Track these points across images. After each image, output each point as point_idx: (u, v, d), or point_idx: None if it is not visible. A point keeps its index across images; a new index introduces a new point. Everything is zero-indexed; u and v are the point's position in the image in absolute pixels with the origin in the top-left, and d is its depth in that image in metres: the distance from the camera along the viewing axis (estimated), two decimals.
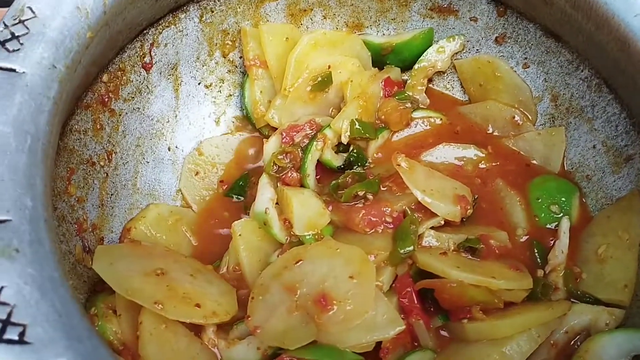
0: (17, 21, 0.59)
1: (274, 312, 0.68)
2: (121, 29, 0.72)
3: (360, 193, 0.79)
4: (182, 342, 0.68)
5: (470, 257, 0.76)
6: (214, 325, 0.70)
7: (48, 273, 0.48)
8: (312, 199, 0.79)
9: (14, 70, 0.56)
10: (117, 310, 0.69)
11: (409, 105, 0.89)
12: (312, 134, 0.85)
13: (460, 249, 0.76)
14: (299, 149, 0.83)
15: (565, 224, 0.79)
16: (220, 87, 0.91)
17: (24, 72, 0.56)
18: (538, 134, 0.87)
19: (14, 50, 0.57)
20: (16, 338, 0.44)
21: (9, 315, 0.45)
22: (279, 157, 0.82)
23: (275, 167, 0.83)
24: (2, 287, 0.46)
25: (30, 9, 0.59)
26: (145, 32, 0.80)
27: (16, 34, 0.58)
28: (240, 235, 0.77)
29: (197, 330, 0.70)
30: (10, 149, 0.53)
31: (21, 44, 0.58)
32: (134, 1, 0.69)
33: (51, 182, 0.58)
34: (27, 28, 0.58)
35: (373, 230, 0.76)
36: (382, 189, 0.80)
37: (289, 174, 0.83)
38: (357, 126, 0.84)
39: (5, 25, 0.58)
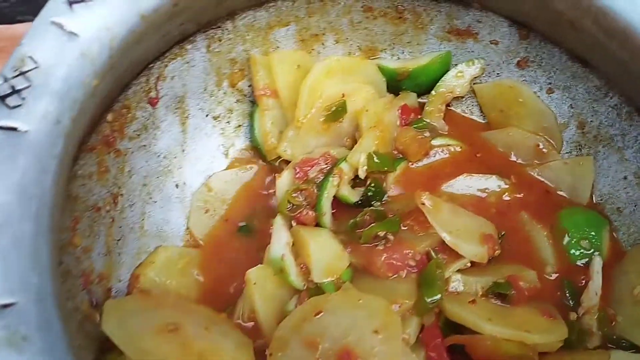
0: (17, 73, 0.54)
1: None
2: (127, 67, 0.67)
3: (381, 233, 0.75)
4: None
5: (500, 303, 0.72)
6: None
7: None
8: (330, 242, 0.75)
9: (15, 129, 0.52)
10: None
11: (427, 134, 0.85)
12: (327, 168, 0.81)
13: (489, 294, 0.72)
14: (313, 186, 0.79)
15: (598, 264, 0.75)
16: (229, 117, 0.87)
17: (26, 131, 0.52)
18: (565, 163, 0.83)
19: (15, 107, 0.53)
20: None
21: None
22: (293, 195, 0.78)
23: (289, 206, 0.78)
24: None
25: (32, 58, 0.55)
26: (150, 66, 0.76)
27: (17, 88, 0.53)
28: (255, 284, 0.73)
29: None
30: (14, 219, 0.48)
31: (23, 98, 0.53)
32: (140, 40, 0.64)
33: (57, 248, 0.53)
34: (29, 80, 0.54)
35: (395, 275, 0.72)
36: (403, 227, 0.76)
37: (304, 212, 0.79)
38: (375, 159, 0.80)
39: (5, 78, 0.53)
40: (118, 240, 0.75)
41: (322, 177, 0.80)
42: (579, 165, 0.82)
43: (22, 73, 0.54)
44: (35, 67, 0.54)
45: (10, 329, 0.44)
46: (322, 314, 0.67)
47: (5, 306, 0.45)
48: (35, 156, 0.51)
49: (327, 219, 0.78)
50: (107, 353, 0.67)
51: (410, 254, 0.73)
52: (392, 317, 0.65)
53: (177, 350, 0.63)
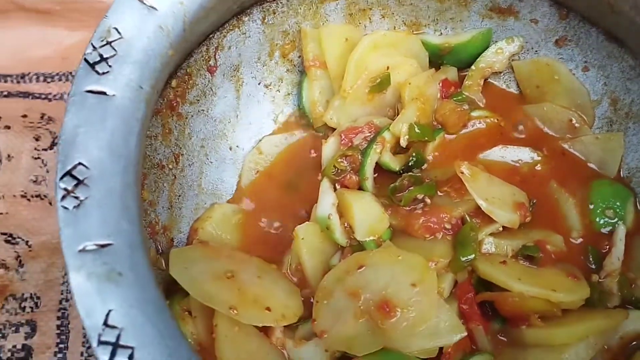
0: (104, 43, 0.60)
1: (339, 317, 0.71)
2: (195, 39, 0.74)
3: (419, 196, 0.81)
4: (254, 343, 0.72)
5: (528, 264, 0.78)
6: (281, 326, 0.73)
7: (149, 296, 0.52)
8: (372, 204, 0.81)
9: (104, 94, 0.58)
10: (192, 312, 0.73)
11: (466, 107, 0.89)
12: (371, 136, 0.86)
13: (518, 256, 0.78)
14: (357, 152, 0.85)
15: (621, 231, 0.80)
16: (279, 86, 0.93)
17: (114, 95, 0.59)
18: (596, 138, 0.87)
19: (103, 73, 0.59)
20: None
21: (118, 338, 0.49)
22: (339, 160, 0.84)
23: (334, 170, 0.84)
24: (110, 311, 0.50)
25: (117, 29, 0.61)
26: (211, 36, 0.82)
27: (104, 56, 0.60)
28: (302, 239, 0.79)
29: (265, 330, 0.74)
30: (107, 173, 0.55)
31: (110, 66, 0.60)
32: (207, 14, 0.70)
33: (141, 200, 0.60)
34: (115, 50, 0.60)
35: (432, 237, 0.78)
36: (440, 194, 0.82)
37: (348, 177, 0.85)
38: (416, 130, 0.85)
39: (93, 47, 0.60)
40: (179, 196, 0.83)
41: (365, 145, 0.86)
42: (609, 140, 0.87)
43: (108, 43, 0.60)
44: (120, 38, 0.61)
45: (108, 265, 0.51)
46: (364, 267, 0.73)
47: (104, 246, 0.52)
48: (121, 119, 0.58)
49: (369, 183, 0.84)
50: (172, 295, 0.75)
51: (446, 218, 0.79)
52: (428, 272, 0.71)
53: (235, 294, 0.71)
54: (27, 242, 0.90)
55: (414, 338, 0.69)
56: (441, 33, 0.94)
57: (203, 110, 0.85)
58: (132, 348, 0.48)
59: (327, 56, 0.88)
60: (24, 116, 0.98)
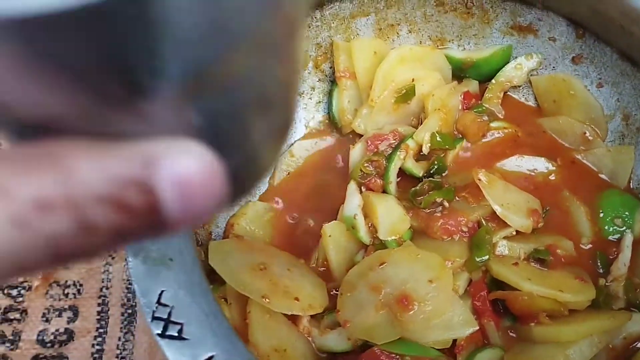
0: None
1: (361, 309, 0.78)
2: None
3: (438, 200, 0.87)
4: (283, 329, 0.78)
5: (539, 267, 0.83)
6: (308, 315, 0.80)
7: (195, 279, 0.59)
8: (395, 206, 0.88)
9: None
10: (227, 299, 0.80)
11: (485, 118, 0.96)
12: (395, 143, 0.93)
13: (530, 259, 0.84)
14: (382, 158, 0.92)
15: (629, 239, 0.86)
16: (311, 94, 1.00)
17: None
18: (608, 150, 0.93)
19: None
20: (176, 334, 0.55)
21: (169, 315, 0.56)
22: (365, 164, 0.91)
23: (361, 174, 0.91)
24: (162, 291, 0.57)
25: None
26: None
27: None
28: (330, 236, 0.86)
29: (293, 319, 0.81)
30: None
31: None
32: None
33: None
34: None
35: (449, 238, 0.85)
36: (457, 199, 0.89)
37: (373, 180, 0.91)
38: (437, 138, 0.92)
39: None
40: None
41: (390, 151, 0.92)
42: (621, 153, 0.92)
43: None
44: None
45: (161, 251, 0.59)
46: (385, 264, 0.80)
47: None
48: None
49: (392, 187, 0.91)
50: (210, 284, 0.82)
51: (463, 221, 0.85)
52: (444, 270, 0.78)
53: (267, 284, 0.78)
54: None
55: (430, 330, 0.76)
56: (464, 48, 1.00)
57: None
58: (181, 324, 0.56)
59: (356, 68, 0.95)
60: None
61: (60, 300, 0.93)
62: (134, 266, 0.57)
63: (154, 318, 0.55)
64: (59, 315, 0.92)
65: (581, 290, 0.80)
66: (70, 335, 0.90)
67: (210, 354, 0.54)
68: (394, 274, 0.79)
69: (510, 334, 0.82)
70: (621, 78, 0.91)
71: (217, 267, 0.77)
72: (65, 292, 0.94)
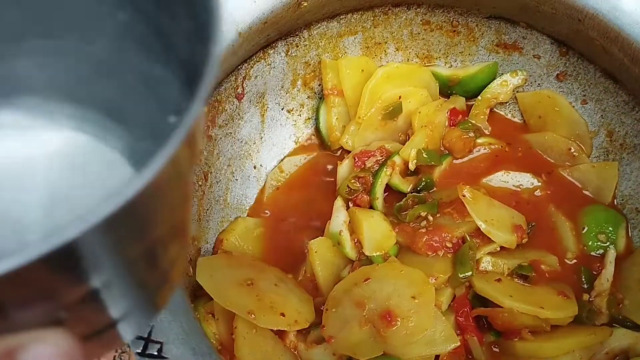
0: None
1: (345, 324, 0.79)
2: (223, 72, 0.83)
3: (422, 214, 0.89)
4: (269, 344, 0.80)
5: (522, 282, 0.85)
6: (295, 330, 0.82)
7: (176, 298, 0.60)
8: (381, 222, 0.89)
9: None
10: (215, 314, 0.81)
11: (472, 134, 0.97)
12: (382, 160, 0.94)
13: (513, 275, 0.85)
14: (369, 174, 0.93)
15: (612, 254, 0.87)
16: (301, 111, 1.02)
17: None
18: (592, 166, 0.94)
19: None
20: (155, 353, 0.57)
21: (149, 334, 0.58)
22: (352, 180, 0.92)
23: (347, 189, 0.93)
24: None
25: None
26: (239, 67, 0.91)
27: None
28: (316, 252, 0.88)
29: (280, 334, 0.82)
30: None
31: None
32: (236, 52, 0.80)
33: None
34: None
35: (434, 254, 0.86)
36: (443, 215, 0.90)
37: (360, 196, 0.93)
38: (424, 155, 0.93)
39: None
40: (207, 210, 0.92)
41: (377, 167, 0.94)
42: (605, 169, 0.93)
43: None
44: None
45: None
46: (370, 280, 0.81)
47: None
48: None
49: (379, 202, 0.92)
50: (198, 299, 0.84)
51: (447, 237, 0.86)
52: (427, 286, 0.79)
53: (253, 300, 0.79)
54: None
55: (412, 346, 0.77)
56: (451, 65, 1.02)
57: (230, 133, 0.94)
58: (161, 343, 0.57)
59: (344, 85, 0.97)
60: None
61: None
62: None
63: (135, 337, 0.57)
64: None
65: (563, 307, 0.81)
66: None
67: None
68: (378, 289, 0.80)
69: (494, 349, 0.84)
70: (604, 95, 0.93)
71: (203, 283, 0.79)
72: None
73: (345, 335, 0.78)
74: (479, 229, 0.86)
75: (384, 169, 0.92)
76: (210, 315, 0.82)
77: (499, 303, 0.80)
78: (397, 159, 0.93)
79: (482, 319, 0.84)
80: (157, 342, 0.57)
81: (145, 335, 0.57)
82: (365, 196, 0.93)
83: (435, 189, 0.96)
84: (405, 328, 0.77)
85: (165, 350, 0.57)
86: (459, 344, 0.78)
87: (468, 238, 0.86)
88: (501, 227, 0.86)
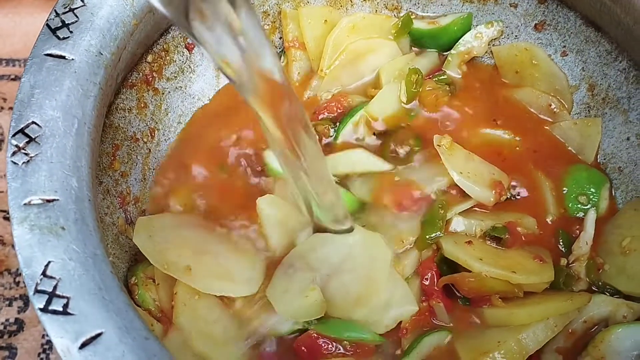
0: (67, 9, 0.62)
1: (293, 287, 0.72)
2: (167, 20, 0.75)
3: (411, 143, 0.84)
4: (214, 312, 0.72)
5: (495, 245, 0.77)
6: (241, 296, 0.74)
7: (91, 250, 0.53)
8: None
9: (63, 57, 0.60)
10: (155, 279, 0.74)
11: (447, 88, 0.89)
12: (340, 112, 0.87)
13: (486, 237, 0.78)
14: (328, 123, 0.86)
15: (591, 216, 0.80)
16: None
17: (72, 59, 0.60)
18: (574, 123, 0.87)
19: (64, 38, 0.61)
20: (60, 309, 0.49)
21: (55, 288, 0.50)
22: None
23: None
24: (49, 262, 0.51)
25: None
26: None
27: (66, 22, 0.62)
28: (264, 210, 0.79)
29: (227, 299, 0.75)
30: (59, 132, 0.57)
31: (71, 31, 0.61)
32: None
33: (96, 163, 0.62)
34: (77, 16, 0.62)
35: (402, 211, 0.79)
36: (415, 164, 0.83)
37: None
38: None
39: (56, 13, 0.62)
40: (153, 169, 0.84)
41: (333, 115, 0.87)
42: (588, 126, 0.86)
43: (71, 9, 0.62)
44: (82, 5, 0.63)
45: (52, 219, 0.53)
46: (326, 245, 0.74)
47: (49, 201, 0.54)
48: (78, 81, 0.60)
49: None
50: (139, 263, 0.76)
51: (417, 195, 0.79)
52: (383, 249, 0.72)
53: (196, 263, 0.72)
54: None
55: (365, 311, 0.70)
56: (422, 17, 0.94)
57: (181, 87, 0.87)
58: (67, 298, 0.50)
59: (305, 37, 0.89)
60: None
61: (11, 289, 0.89)
62: (18, 234, 0.52)
63: (37, 291, 0.50)
64: (9, 305, 0.87)
65: (538, 272, 0.74)
66: (20, 325, 0.85)
67: (98, 331, 0.49)
68: (334, 253, 0.73)
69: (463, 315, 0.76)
70: (586, 45, 0.85)
71: (140, 245, 0.71)
72: (16, 280, 0.89)
73: (289, 298, 0.71)
74: (452, 187, 0.79)
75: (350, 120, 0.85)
76: (150, 280, 0.74)
77: (467, 267, 0.73)
78: (362, 115, 0.86)
79: (452, 285, 0.77)
80: (63, 297, 0.50)
81: (50, 290, 0.50)
82: None
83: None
84: (358, 292, 0.70)
85: (72, 306, 0.50)
86: (416, 309, 0.71)
87: (434, 197, 0.79)
88: (478, 182, 0.79)
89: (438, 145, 0.80)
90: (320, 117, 0.86)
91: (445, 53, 0.93)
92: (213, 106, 0.90)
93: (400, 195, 0.79)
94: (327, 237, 0.75)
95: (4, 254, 0.90)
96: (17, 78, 1.05)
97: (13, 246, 0.89)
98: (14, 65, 1.07)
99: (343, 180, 0.83)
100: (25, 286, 0.86)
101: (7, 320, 0.85)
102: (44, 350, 0.84)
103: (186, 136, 0.88)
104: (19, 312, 0.87)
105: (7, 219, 0.92)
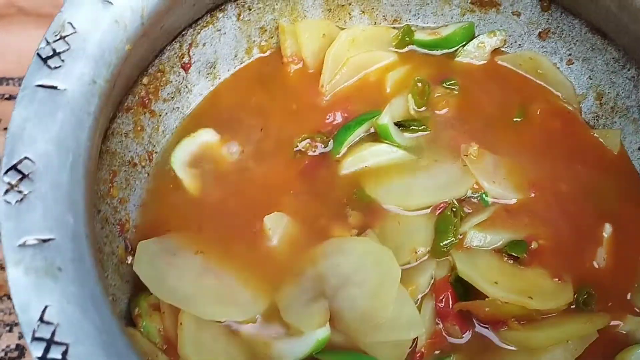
0: (58, 37, 0.60)
1: (300, 295, 0.70)
2: (159, 35, 0.73)
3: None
4: (220, 343, 0.70)
5: (511, 262, 0.75)
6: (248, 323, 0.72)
7: (89, 291, 0.51)
8: None
9: (55, 88, 0.58)
10: (161, 307, 0.71)
11: (455, 91, 0.86)
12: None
13: (503, 253, 0.75)
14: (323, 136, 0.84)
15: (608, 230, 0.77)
16: None
17: (65, 89, 0.58)
18: (593, 134, 0.84)
19: (55, 67, 0.59)
20: (59, 357, 0.47)
21: (53, 334, 0.48)
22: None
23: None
24: (46, 307, 0.49)
25: (71, 24, 0.61)
26: (183, 33, 0.81)
27: (57, 51, 0.59)
28: (270, 229, 0.76)
29: (233, 328, 0.72)
30: (54, 167, 0.55)
31: (62, 60, 0.59)
32: (171, 9, 0.70)
33: (92, 195, 0.59)
34: (68, 44, 0.60)
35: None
36: None
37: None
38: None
39: (47, 42, 0.60)
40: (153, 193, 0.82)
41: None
42: (606, 137, 0.83)
43: (62, 37, 0.60)
44: (74, 32, 0.60)
45: (48, 260, 0.50)
46: (337, 252, 0.72)
47: (45, 241, 0.51)
48: (72, 112, 0.57)
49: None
50: (141, 293, 0.73)
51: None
52: (394, 267, 0.69)
53: (199, 290, 0.69)
54: None
55: (371, 330, 0.68)
56: (423, 28, 0.92)
57: (178, 107, 0.84)
58: (66, 344, 0.47)
59: (304, 52, 0.87)
60: None
61: (10, 314, 0.87)
62: (13, 278, 0.49)
63: (34, 339, 0.47)
64: (10, 331, 0.85)
65: (555, 295, 0.71)
66: (21, 351, 0.83)
67: None
68: (343, 263, 0.71)
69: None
70: (592, 53, 0.83)
71: (140, 273, 0.69)
72: None
73: (297, 304, 0.69)
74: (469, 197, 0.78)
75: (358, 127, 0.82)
76: (153, 309, 0.72)
77: (483, 291, 0.70)
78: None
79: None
80: (62, 344, 0.47)
81: (48, 337, 0.47)
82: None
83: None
84: (363, 308, 0.68)
85: (72, 353, 0.47)
86: (423, 331, 0.69)
87: (455, 202, 0.77)
88: (510, 186, 0.78)
89: (465, 155, 0.78)
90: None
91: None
92: None
93: None
94: (341, 244, 0.73)
95: (3, 279, 0.88)
96: (11, 97, 1.03)
97: None
98: (7, 84, 1.05)
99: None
100: None
101: (7, 346, 0.83)
102: None
103: None
104: (19, 338, 0.85)
105: None
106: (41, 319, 0.48)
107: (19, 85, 1.02)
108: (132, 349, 0.49)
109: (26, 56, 1.04)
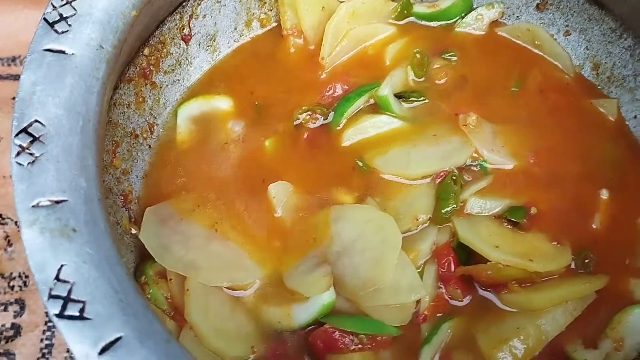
0: (64, 2, 0.60)
1: (304, 260, 0.72)
2: (163, 4, 0.73)
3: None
4: (226, 308, 0.71)
5: (511, 227, 0.76)
6: (252, 288, 0.72)
7: (105, 252, 0.51)
8: None
9: (63, 52, 0.58)
10: (167, 275, 0.72)
11: (454, 60, 0.87)
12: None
13: (502, 219, 0.76)
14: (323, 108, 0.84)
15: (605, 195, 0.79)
16: None
17: (73, 54, 0.58)
18: (590, 103, 0.85)
19: (62, 32, 0.58)
20: (77, 314, 0.47)
21: (69, 292, 0.48)
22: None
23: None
24: (62, 266, 0.49)
25: None
26: (184, 4, 0.81)
27: (64, 15, 0.59)
28: (274, 197, 0.77)
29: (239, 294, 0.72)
30: (64, 130, 0.55)
31: (69, 25, 0.59)
32: None
33: (102, 160, 0.60)
34: (75, 9, 0.60)
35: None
36: None
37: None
38: None
39: (53, 6, 0.59)
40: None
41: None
42: (603, 106, 0.84)
43: (68, 2, 0.60)
44: None
45: (62, 221, 0.51)
46: (339, 219, 0.73)
47: (58, 202, 0.52)
48: (81, 77, 0.57)
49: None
50: (146, 261, 0.74)
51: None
52: (395, 233, 0.71)
53: (202, 258, 0.70)
54: (16, 222, 0.90)
55: (373, 294, 0.69)
56: (422, 0, 0.92)
57: (178, 80, 0.84)
58: (83, 302, 0.48)
59: (304, 25, 0.87)
60: (14, 98, 0.98)
61: (5, 293, 0.86)
62: (28, 238, 0.49)
63: (51, 296, 0.48)
64: (5, 310, 0.84)
65: (555, 257, 0.73)
66: (17, 330, 0.83)
67: (117, 335, 0.47)
68: (347, 229, 0.72)
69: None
70: (589, 24, 0.84)
71: (146, 241, 0.69)
72: (11, 284, 0.86)
73: (300, 271, 0.70)
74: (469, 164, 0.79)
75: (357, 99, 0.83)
76: (159, 277, 0.72)
77: (483, 254, 0.71)
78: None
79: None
80: (79, 302, 0.48)
81: (65, 294, 0.48)
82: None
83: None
84: (366, 274, 0.69)
85: (88, 310, 0.48)
86: (423, 294, 0.70)
87: (455, 170, 0.78)
88: (509, 152, 0.79)
89: (464, 124, 0.79)
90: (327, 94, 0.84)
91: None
92: None
93: None
94: (343, 211, 0.74)
95: None
96: (0, 77, 1.02)
97: (5, 250, 0.87)
98: None
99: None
100: (20, 290, 0.85)
101: (3, 325, 0.83)
102: (44, 355, 0.81)
103: None
104: (15, 317, 0.84)
105: None
106: (57, 278, 0.48)
107: (7, 65, 1.02)
108: (149, 308, 0.49)
109: (13, 36, 1.03)
